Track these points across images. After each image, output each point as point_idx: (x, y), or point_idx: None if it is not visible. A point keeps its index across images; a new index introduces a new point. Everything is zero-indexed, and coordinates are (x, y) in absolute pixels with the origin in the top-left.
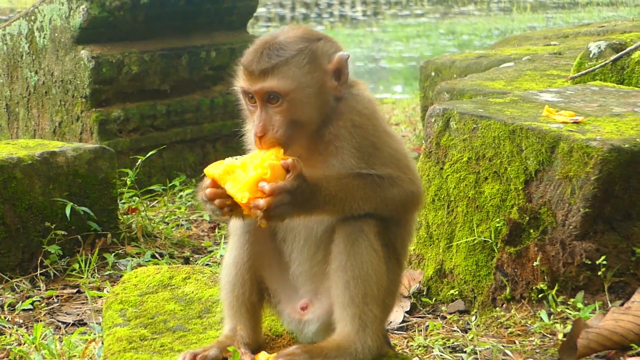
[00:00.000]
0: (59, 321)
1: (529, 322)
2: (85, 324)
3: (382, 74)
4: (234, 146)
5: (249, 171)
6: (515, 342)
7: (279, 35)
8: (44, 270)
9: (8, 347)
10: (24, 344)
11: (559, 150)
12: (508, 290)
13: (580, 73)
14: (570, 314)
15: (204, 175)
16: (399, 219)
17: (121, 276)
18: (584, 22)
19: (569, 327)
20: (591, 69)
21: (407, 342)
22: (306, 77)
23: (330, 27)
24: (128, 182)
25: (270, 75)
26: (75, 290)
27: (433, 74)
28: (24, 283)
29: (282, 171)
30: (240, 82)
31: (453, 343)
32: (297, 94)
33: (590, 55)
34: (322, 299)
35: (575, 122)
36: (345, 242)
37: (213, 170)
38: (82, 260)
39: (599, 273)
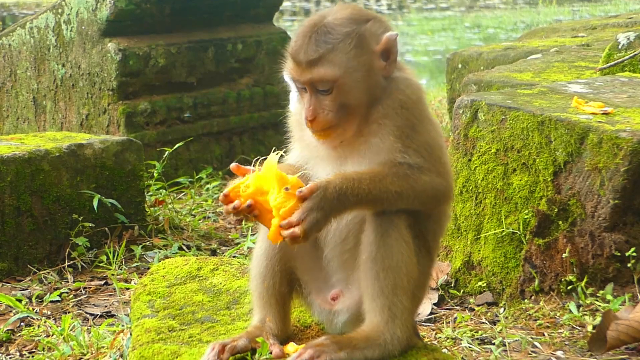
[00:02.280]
0: (86, 313)
1: (558, 314)
2: (112, 315)
3: None
4: (260, 138)
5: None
6: (544, 334)
7: (328, 16)
8: (72, 262)
9: (37, 338)
10: (52, 335)
11: (588, 141)
12: (537, 282)
13: (609, 64)
14: (599, 306)
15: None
16: (429, 212)
17: (148, 268)
18: (612, 14)
19: (598, 319)
20: (620, 60)
21: (436, 333)
22: (353, 62)
23: None
24: (155, 175)
25: (317, 65)
26: (102, 282)
27: (460, 66)
28: (51, 275)
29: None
30: (289, 71)
31: (481, 335)
32: (345, 80)
33: (619, 47)
34: (353, 289)
35: (605, 113)
36: (376, 233)
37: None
38: (109, 252)
39: (629, 265)
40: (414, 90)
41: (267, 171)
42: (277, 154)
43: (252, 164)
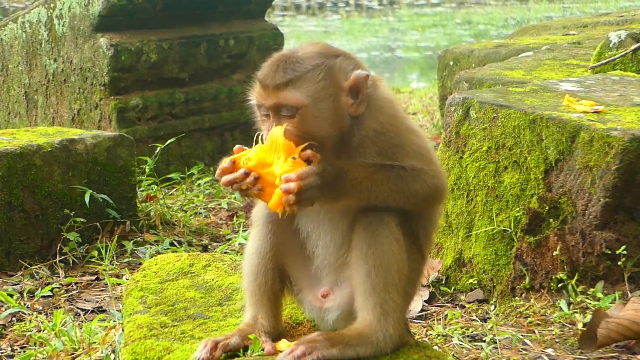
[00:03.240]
0: (78, 308)
1: (549, 312)
2: (104, 310)
3: (398, 63)
4: (252, 134)
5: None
6: (534, 332)
7: (298, 51)
8: (63, 257)
9: (28, 333)
10: (44, 330)
11: (580, 139)
12: (527, 279)
13: (600, 62)
14: (590, 303)
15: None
16: (422, 212)
17: (140, 264)
18: (602, 12)
19: (588, 317)
20: (611, 58)
21: (427, 331)
22: (320, 93)
23: (346, 17)
24: (147, 170)
25: (283, 90)
26: (94, 278)
27: (451, 63)
28: (43, 270)
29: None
30: (255, 97)
31: (472, 332)
32: (309, 109)
33: (611, 45)
34: (343, 286)
35: (596, 112)
36: (367, 231)
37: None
38: (101, 248)
39: (619, 263)
40: (386, 111)
41: (273, 142)
42: (281, 126)
43: (254, 140)
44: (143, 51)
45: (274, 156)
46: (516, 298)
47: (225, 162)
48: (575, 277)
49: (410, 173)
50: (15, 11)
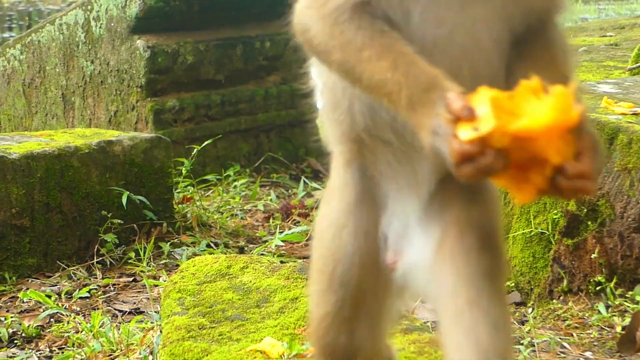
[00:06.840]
0: (115, 309)
1: (587, 315)
2: (141, 312)
3: None
4: (287, 136)
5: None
6: (572, 335)
7: None
8: (101, 258)
9: (66, 334)
10: (82, 331)
11: (618, 141)
12: (565, 282)
13: (638, 64)
14: (628, 306)
15: None
16: None
17: (176, 265)
18: (638, 14)
19: (627, 320)
20: None
21: None
22: None
23: None
24: (183, 172)
25: None
26: (131, 279)
27: None
28: (80, 271)
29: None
30: None
31: None
32: None
33: None
34: None
35: (635, 114)
36: None
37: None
38: (140, 249)
39: None
40: None
41: (554, 103)
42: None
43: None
44: (179, 53)
45: (536, 120)
46: (554, 301)
47: (464, 137)
48: (614, 280)
49: None
50: (51, 13)
